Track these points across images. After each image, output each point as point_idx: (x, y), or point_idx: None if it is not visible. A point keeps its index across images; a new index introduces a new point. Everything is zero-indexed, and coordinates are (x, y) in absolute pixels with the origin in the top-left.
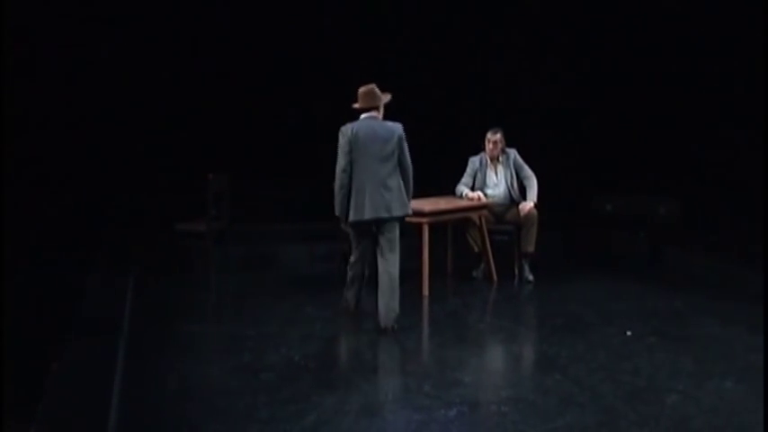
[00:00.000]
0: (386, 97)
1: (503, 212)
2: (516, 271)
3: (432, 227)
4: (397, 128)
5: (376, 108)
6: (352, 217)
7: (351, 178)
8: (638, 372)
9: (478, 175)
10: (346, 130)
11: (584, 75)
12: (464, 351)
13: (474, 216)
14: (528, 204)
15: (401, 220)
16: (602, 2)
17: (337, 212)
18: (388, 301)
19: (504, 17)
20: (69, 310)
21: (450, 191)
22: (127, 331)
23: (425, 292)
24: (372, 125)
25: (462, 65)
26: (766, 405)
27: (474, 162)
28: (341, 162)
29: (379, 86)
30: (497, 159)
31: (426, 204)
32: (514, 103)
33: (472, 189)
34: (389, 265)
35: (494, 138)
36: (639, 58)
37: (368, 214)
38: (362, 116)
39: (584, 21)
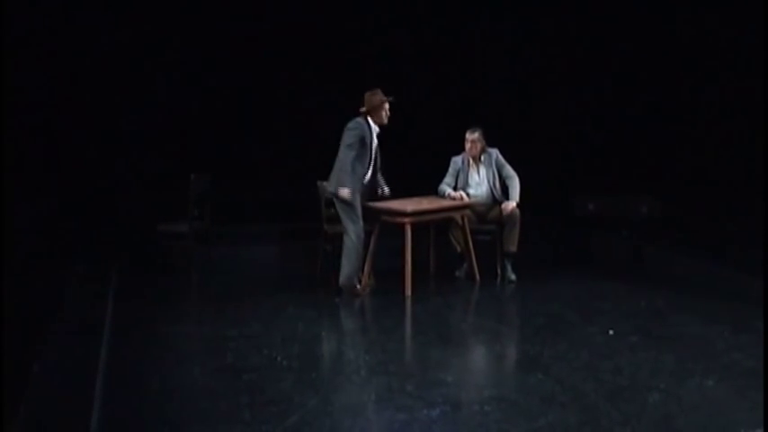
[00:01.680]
0: (372, 100)
1: (485, 212)
2: (499, 271)
3: (414, 227)
4: (350, 121)
5: (365, 111)
6: None
7: None
8: (620, 370)
9: (461, 175)
10: None
11: (568, 76)
12: (447, 351)
13: (456, 216)
14: (510, 204)
15: (336, 197)
16: (586, 4)
17: None
18: (342, 267)
19: (490, 16)
20: (51, 311)
21: (432, 191)
22: (108, 332)
23: (408, 292)
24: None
25: (446, 63)
26: (766, 404)
27: (456, 162)
28: None
29: (363, 86)
30: (479, 159)
31: (409, 204)
32: (498, 103)
33: (455, 189)
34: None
35: (472, 137)
36: (621, 59)
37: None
38: None
39: (568, 22)
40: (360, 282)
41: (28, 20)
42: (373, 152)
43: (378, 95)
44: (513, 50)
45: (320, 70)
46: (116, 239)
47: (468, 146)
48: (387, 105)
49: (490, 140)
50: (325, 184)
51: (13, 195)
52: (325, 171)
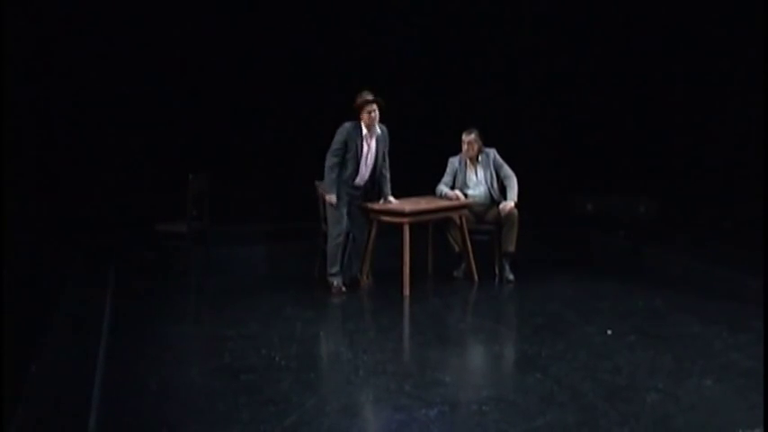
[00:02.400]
0: (357, 102)
1: (483, 212)
2: (497, 271)
3: (412, 227)
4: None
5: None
6: None
7: None
8: (618, 370)
9: (458, 176)
10: None
11: (566, 76)
12: (445, 351)
13: (455, 216)
14: (509, 204)
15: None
16: (586, 4)
17: None
18: None
19: (488, 16)
20: (49, 311)
21: (431, 191)
22: (107, 332)
23: (406, 292)
24: None
25: (444, 63)
26: (766, 403)
27: (453, 162)
28: None
29: (358, 87)
30: (476, 159)
31: (407, 204)
32: (496, 103)
33: (452, 189)
34: None
35: (468, 138)
36: (620, 59)
37: None
38: None
39: (566, 22)
40: (342, 282)
41: (26, 21)
42: (364, 155)
43: (360, 97)
44: (512, 50)
45: (318, 71)
46: (114, 239)
47: (464, 147)
48: (368, 107)
49: (489, 140)
50: (319, 183)
51: (12, 195)
52: (323, 171)
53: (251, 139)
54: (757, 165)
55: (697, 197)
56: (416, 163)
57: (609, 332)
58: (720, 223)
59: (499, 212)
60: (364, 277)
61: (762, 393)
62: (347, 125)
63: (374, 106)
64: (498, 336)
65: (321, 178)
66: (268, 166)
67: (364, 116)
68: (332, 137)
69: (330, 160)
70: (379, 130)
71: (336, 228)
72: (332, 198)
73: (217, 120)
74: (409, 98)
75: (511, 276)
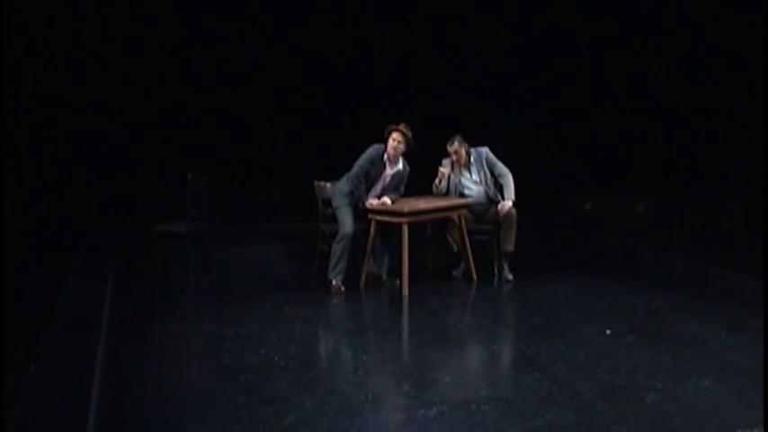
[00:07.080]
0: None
1: (482, 212)
2: (496, 270)
3: (411, 227)
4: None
5: None
6: None
7: None
8: (616, 370)
9: (453, 178)
10: None
11: (564, 75)
12: (444, 351)
13: (454, 216)
14: (507, 204)
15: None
16: (585, 4)
17: None
18: None
19: (487, 14)
20: (48, 311)
21: (429, 191)
22: (105, 332)
23: (405, 291)
24: None
25: (444, 63)
26: (766, 403)
27: (446, 164)
28: None
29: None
30: (468, 161)
31: (405, 204)
32: (496, 103)
33: (447, 191)
34: None
35: (452, 148)
36: (618, 58)
37: None
38: None
39: (566, 21)
40: (334, 282)
41: (25, 20)
42: (382, 183)
43: (389, 126)
44: (510, 49)
45: (316, 72)
46: (113, 239)
47: (453, 158)
48: (394, 135)
49: (488, 140)
50: (323, 184)
51: (11, 194)
52: (322, 171)
53: (250, 139)
54: (757, 165)
55: (695, 197)
56: (415, 163)
57: (608, 332)
58: (719, 223)
59: (498, 212)
60: (363, 276)
61: (760, 393)
62: (375, 148)
63: (399, 137)
64: (497, 335)
65: (319, 178)
66: (267, 167)
67: (389, 144)
68: (331, 137)
69: (354, 180)
70: (400, 165)
71: (344, 228)
72: (372, 201)
73: (216, 120)
74: (407, 97)
75: (510, 276)
